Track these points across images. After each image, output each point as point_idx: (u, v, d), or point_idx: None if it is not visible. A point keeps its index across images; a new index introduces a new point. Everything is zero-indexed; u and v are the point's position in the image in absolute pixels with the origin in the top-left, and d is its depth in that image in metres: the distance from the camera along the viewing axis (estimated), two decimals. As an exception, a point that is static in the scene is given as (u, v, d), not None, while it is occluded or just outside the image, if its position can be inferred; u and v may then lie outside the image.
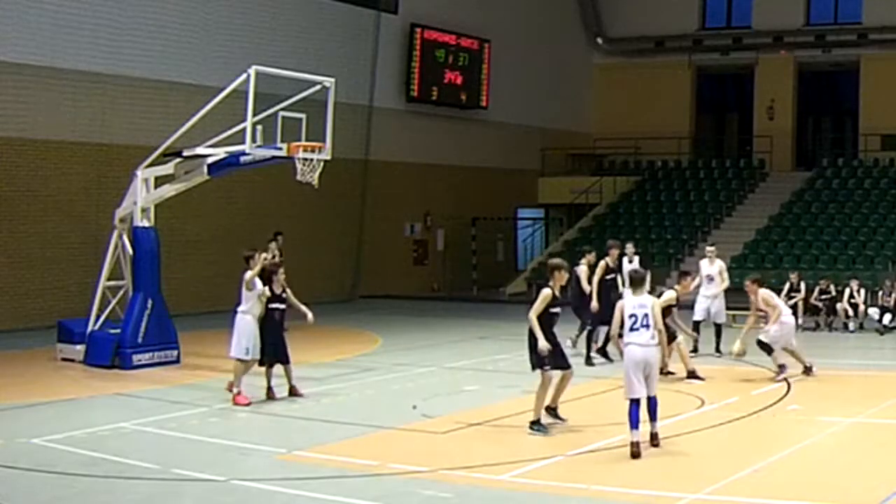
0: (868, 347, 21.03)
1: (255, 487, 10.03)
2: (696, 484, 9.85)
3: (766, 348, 16.13)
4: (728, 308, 20.09)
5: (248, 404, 14.03)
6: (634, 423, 11.19)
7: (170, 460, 10.90)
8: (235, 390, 14.20)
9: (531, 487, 9.95)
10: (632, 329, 11.49)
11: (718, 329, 19.37)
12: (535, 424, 12.31)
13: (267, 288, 14.41)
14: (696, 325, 19.30)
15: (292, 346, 15.21)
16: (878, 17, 35.04)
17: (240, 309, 14.40)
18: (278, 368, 14.58)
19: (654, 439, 11.39)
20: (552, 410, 12.75)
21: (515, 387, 15.10)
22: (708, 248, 20.80)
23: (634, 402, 11.27)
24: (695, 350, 18.27)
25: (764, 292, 16.39)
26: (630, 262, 19.66)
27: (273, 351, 14.41)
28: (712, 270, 19.83)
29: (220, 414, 13.66)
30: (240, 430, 12.88)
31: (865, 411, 13.40)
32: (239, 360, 14.27)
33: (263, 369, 14.51)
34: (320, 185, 17.39)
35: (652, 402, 11.41)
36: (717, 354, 18.63)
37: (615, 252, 18.91)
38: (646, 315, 11.49)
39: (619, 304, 11.91)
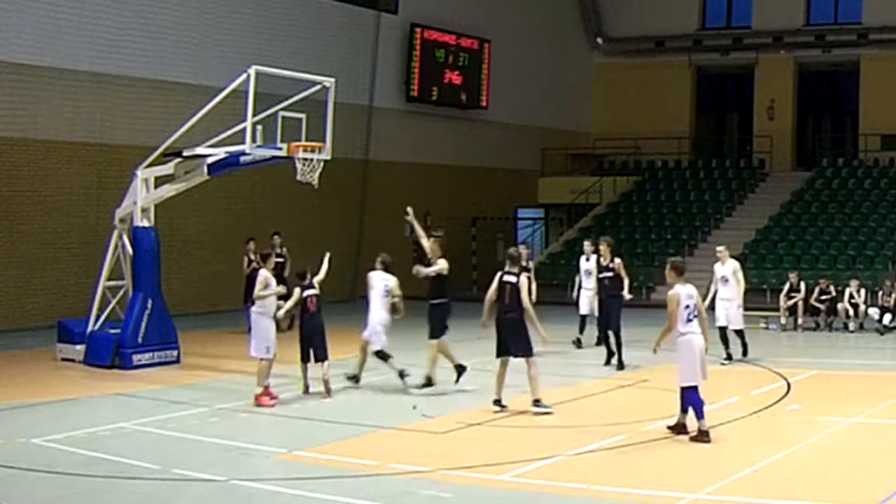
0: (868, 347, 21.03)
1: (255, 487, 10.04)
2: (696, 484, 9.86)
3: (383, 356, 15.21)
4: (746, 309, 18.85)
5: (272, 405, 14.07)
6: (699, 411, 11.65)
7: (170, 460, 10.90)
8: (259, 389, 14.18)
9: (531, 487, 9.95)
10: (688, 320, 11.79)
11: (740, 334, 18.11)
12: (540, 403, 13.21)
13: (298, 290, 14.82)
14: (723, 332, 17.97)
15: (293, 346, 15.24)
16: (878, 17, 35.04)
17: (256, 310, 14.50)
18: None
19: (683, 429, 11.86)
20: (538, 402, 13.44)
21: (515, 387, 15.08)
22: (718, 249, 18.89)
23: (694, 390, 11.69)
24: (728, 357, 17.80)
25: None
26: (588, 259, 19.57)
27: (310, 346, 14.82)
28: (725, 271, 18.28)
29: (220, 414, 13.67)
30: (240, 430, 12.88)
31: (865, 411, 13.41)
32: (262, 359, 14.30)
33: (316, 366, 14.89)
34: (320, 185, 17.40)
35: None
36: (744, 358, 17.93)
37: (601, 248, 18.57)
38: (695, 304, 11.88)
39: (672, 296, 11.90)
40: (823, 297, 23.31)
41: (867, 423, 12.88)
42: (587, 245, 20.04)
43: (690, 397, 11.70)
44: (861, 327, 22.83)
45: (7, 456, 11.08)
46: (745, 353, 18.22)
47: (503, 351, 13.65)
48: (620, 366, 17.48)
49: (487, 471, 10.53)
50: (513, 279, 13.48)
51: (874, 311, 22.91)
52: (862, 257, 29.30)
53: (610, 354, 17.86)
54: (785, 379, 15.93)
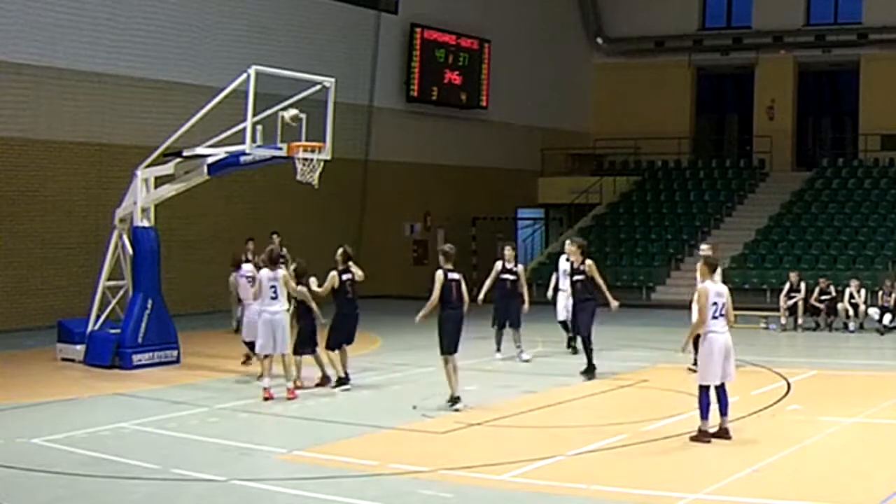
0: (868, 347, 21.02)
1: (255, 487, 10.03)
2: (696, 484, 9.85)
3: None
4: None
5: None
6: (705, 411, 11.59)
7: (170, 460, 10.90)
8: (291, 384, 14.50)
9: (531, 487, 9.94)
10: (713, 317, 11.75)
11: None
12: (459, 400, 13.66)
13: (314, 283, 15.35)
14: None
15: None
16: (878, 17, 35.04)
17: (280, 307, 14.71)
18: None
19: (725, 433, 11.69)
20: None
21: (515, 387, 15.11)
22: (702, 247, 18.37)
23: (706, 389, 11.65)
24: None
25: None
26: (568, 259, 19.15)
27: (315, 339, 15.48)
28: None
29: (220, 414, 13.67)
30: (240, 430, 12.87)
31: (865, 411, 13.40)
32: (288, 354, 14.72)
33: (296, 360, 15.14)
34: (320, 185, 17.40)
35: (723, 393, 11.75)
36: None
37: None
38: (724, 304, 11.82)
39: (702, 291, 11.86)
40: (823, 297, 23.31)
41: (867, 423, 12.86)
42: (568, 244, 19.51)
43: (701, 395, 11.65)
44: (861, 327, 22.82)
45: (7, 456, 11.08)
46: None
47: (451, 348, 13.85)
48: (590, 371, 16.31)
49: (487, 471, 10.52)
50: (457, 276, 13.99)
51: (874, 311, 22.90)
52: (862, 257, 29.30)
53: (590, 364, 16.59)
54: (785, 379, 15.92)
